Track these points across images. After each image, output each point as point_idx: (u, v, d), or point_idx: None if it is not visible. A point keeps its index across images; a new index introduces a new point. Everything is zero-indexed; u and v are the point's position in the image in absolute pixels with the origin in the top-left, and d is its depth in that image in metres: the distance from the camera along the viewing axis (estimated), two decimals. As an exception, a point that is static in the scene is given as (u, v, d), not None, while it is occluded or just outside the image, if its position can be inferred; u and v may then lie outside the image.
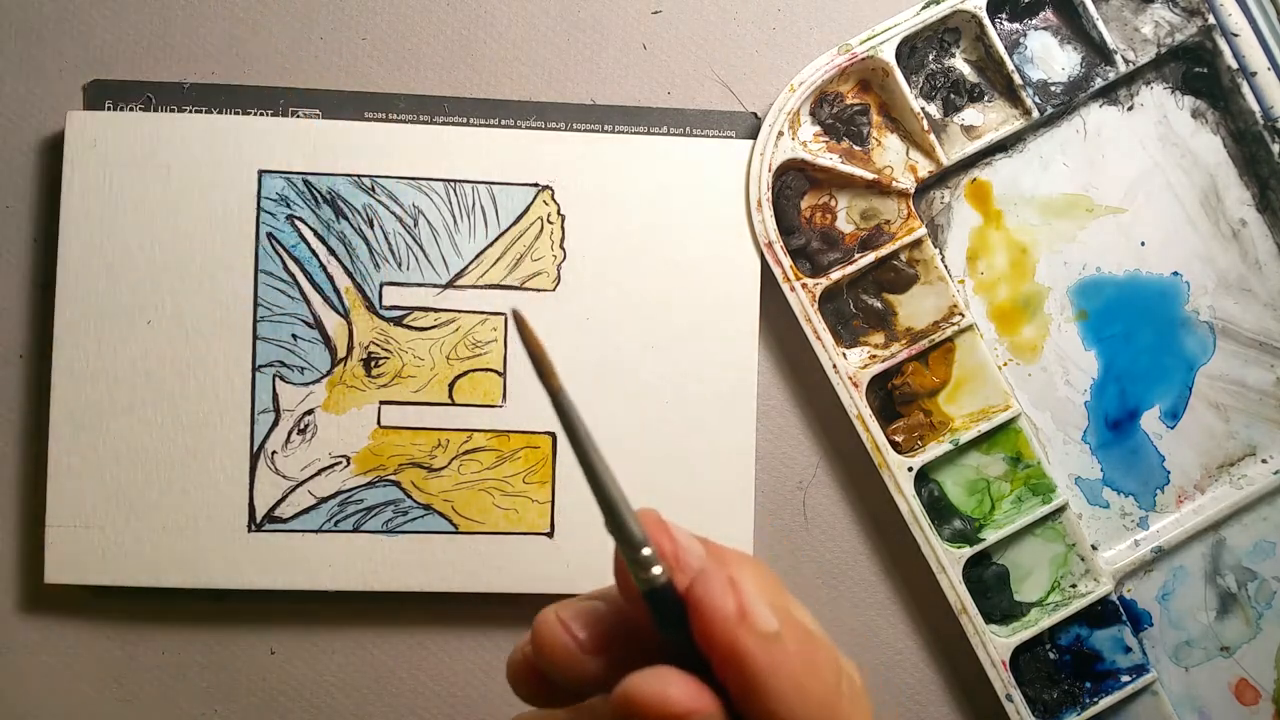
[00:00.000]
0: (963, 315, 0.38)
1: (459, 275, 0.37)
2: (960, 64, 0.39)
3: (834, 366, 0.37)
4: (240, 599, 0.38)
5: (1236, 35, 0.38)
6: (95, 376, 0.36)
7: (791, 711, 0.21)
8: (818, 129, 0.39)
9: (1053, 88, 0.39)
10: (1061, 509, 0.38)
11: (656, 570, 0.23)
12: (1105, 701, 0.38)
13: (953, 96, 0.39)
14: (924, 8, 0.38)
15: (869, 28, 0.38)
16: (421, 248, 0.37)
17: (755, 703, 0.21)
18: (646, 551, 0.23)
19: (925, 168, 0.38)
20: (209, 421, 0.36)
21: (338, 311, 0.37)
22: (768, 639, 0.21)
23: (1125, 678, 0.38)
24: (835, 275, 0.38)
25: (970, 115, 0.39)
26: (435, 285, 0.37)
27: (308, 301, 0.37)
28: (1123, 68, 0.39)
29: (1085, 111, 0.40)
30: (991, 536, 0.38)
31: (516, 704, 0.39)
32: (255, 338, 0.37)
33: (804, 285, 0.38)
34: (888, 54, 0.37)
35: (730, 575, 0.23)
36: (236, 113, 0.38)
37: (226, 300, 0.37)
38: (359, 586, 0.37)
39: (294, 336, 0.37)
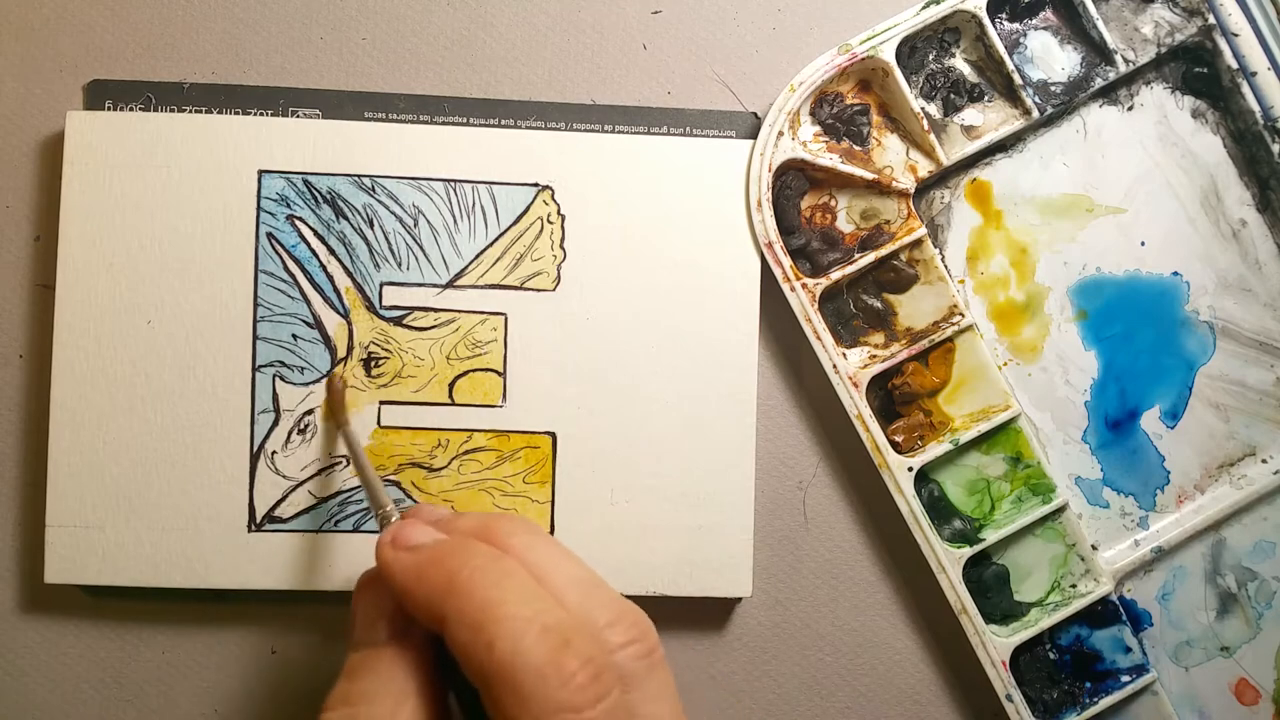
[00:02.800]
0: (963, 315, 0.38)
1: (459, 275, 0.37)
2: (960, 64, 0.39)
3: (834, 366, 0.37)
4: (240, 599, 0.38)
5: (1236, 35, 0.38)
6: (95, 376, 0.36)
7: (411, 600, 0.27)
8: (818, 129, 0.39)
9: (1053, 88, 0.39)
10: (1061, 509, 0.38)
11: (393, 517, 0.31)
12: (1105, 701, 0.38)
13: (953, 96, 0.39)
14: (924, 8, 0.38)
15: (869, 28, 0.38)
16: (421, 248, 0.37)
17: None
18: (387, 509, 0.31)
19: (925, 168, 0.38)
20: (209, 421, 0.36)
21: (338, 311, 0.37)
22: (402, 550, 0.27)
23: (1125, 678, 0.38)
24: (835, 275, 0.38)
25: (970, 115, 0.39)
26: (435, 285, 0.37)
27: (308, 301, 0.37)
28: (1123, 68, 0.39)
29: (1085, 111, 0.40)
30: (991, 536, 0.38)
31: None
32: (255, 338, 0.37)
33: (804, 285, 0.38)
34: (888, 54, 0.37)
35: (415, 519, 0.29)
36: (236, 113, 0.38)
37: (226, 300, 0.37)
38: (359, 586, 0.37)
39: (294, 336, 0.37)
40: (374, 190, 0.37)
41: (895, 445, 0.38)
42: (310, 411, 0.37)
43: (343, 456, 0.37)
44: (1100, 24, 0.38)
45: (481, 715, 0.25)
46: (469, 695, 0.26)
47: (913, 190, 0.38)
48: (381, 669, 0.27)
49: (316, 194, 0.37)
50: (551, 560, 0.28)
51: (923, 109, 0.38)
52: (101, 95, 0.37)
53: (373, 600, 0.28)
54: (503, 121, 0.38)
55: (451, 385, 0.37)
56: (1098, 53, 0.39)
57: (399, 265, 0.37)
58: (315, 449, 0.37)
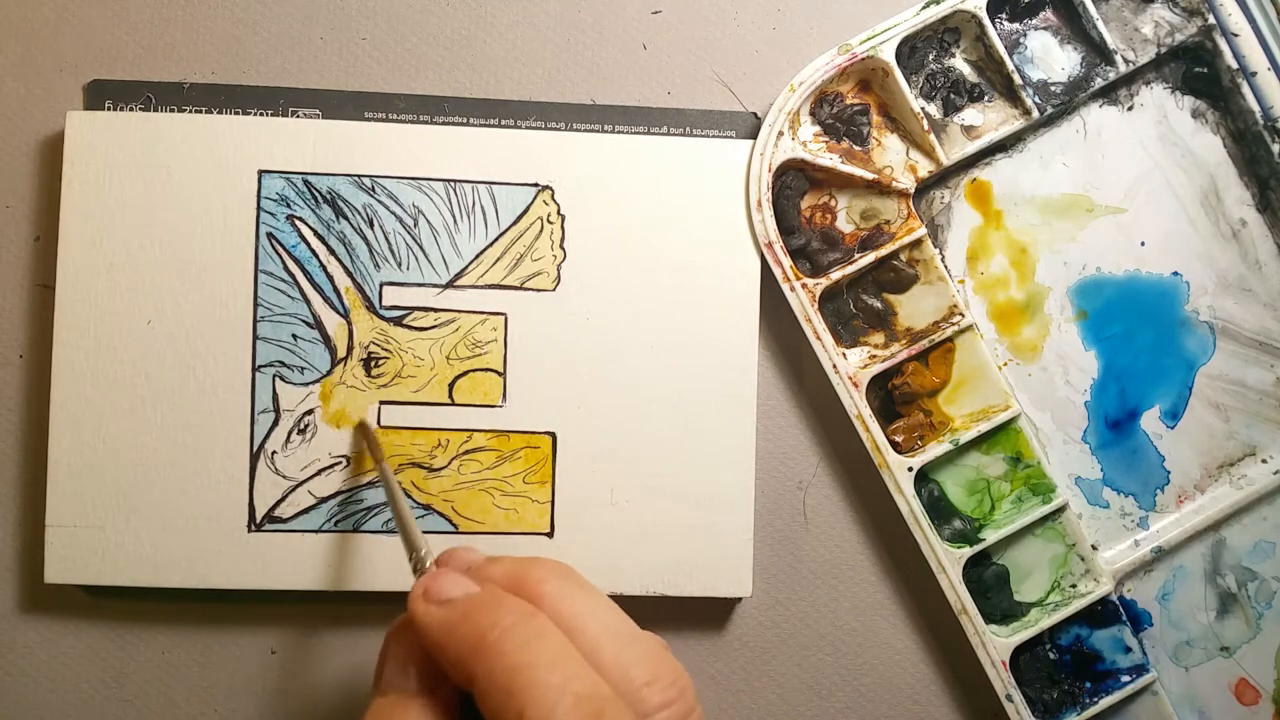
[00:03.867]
0: (963, 315, 0.38)
1: (459, 275, 0.37)
2: (960, 64, 0.39)
3: (834, 366, 0.37)
4: (240, 599, 0.38)
5: (1236, 35, 0.38)
6: (95, 376, 0.36)
7: (442, 656, 0.26)
8: (818, 129, 0.39)
9: (1053, 88, 0.39)
10: (1061, 509, 0.38)
11: (428, 563, 0.30)
12: (1105, 701, 0.38)
13: (953, 96, 0.39)
14: (924, 8, 0.38)
15: (869, 28, 0.38)
16: (421, 248, 0.37)
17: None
18: (422, 553, 0.31)
19: (925, 168, 0.38)
20: (209, 421, 0.36)
21: (338, 311, 0.37)
22: (434, 604, 0.27)
23: (1125, 678, 0.38)
24: (835, 275, 0.38)
25: (970, 115, 0.39)
26: (435, 285, 0.37)
27: (308, 301, 0.37)
28: (1123, 68, 0.39)
29: (1085, 111, 0.40)
30: (991, 536, 0.38)
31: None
32: (255, 338, 0.37)
33: (804, 285, 0.38)
34: (888, 54, 0.37)
35: (447, 569, 0.29)
36: (236, 113, 0.38)
37: (226, 300, 0.37)
38: (359, 586, 0.37)
39: (294, 336, 0.37)
40: (374, 190, 0.37)
41: (895, 445, 0.38)
42: (310, 412, 0.37)
43: (367, 484, 0.37)
44: (1100, 24, 0.38)
45: None
46: None
47: (913, 190, 0.38)
48: (410, 717, 0.26)
49: (316, 194, 0.37)
50: (585, 610, 0.27)
51: (923, 109, 0.38)
52: (101, 95, 0.37)
53: (405, 648, 0.27)
54: (503, 121, 0.38)
55: (451, 385, 0.37)
56: (1098, 53, 0.39)
57: (399, 265, 0.37)
58: (315, 449, 0.37)
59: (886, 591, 0.39)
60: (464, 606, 0.26)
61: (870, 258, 0.38)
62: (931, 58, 0.39)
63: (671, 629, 0.39)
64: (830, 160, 0.38)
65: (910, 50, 0.39)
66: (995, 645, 0.37)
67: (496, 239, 0.37)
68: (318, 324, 0.37)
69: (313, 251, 0.37)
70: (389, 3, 0.39)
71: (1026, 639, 0.37)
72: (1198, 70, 0.40)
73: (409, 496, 0.37)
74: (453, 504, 0.37)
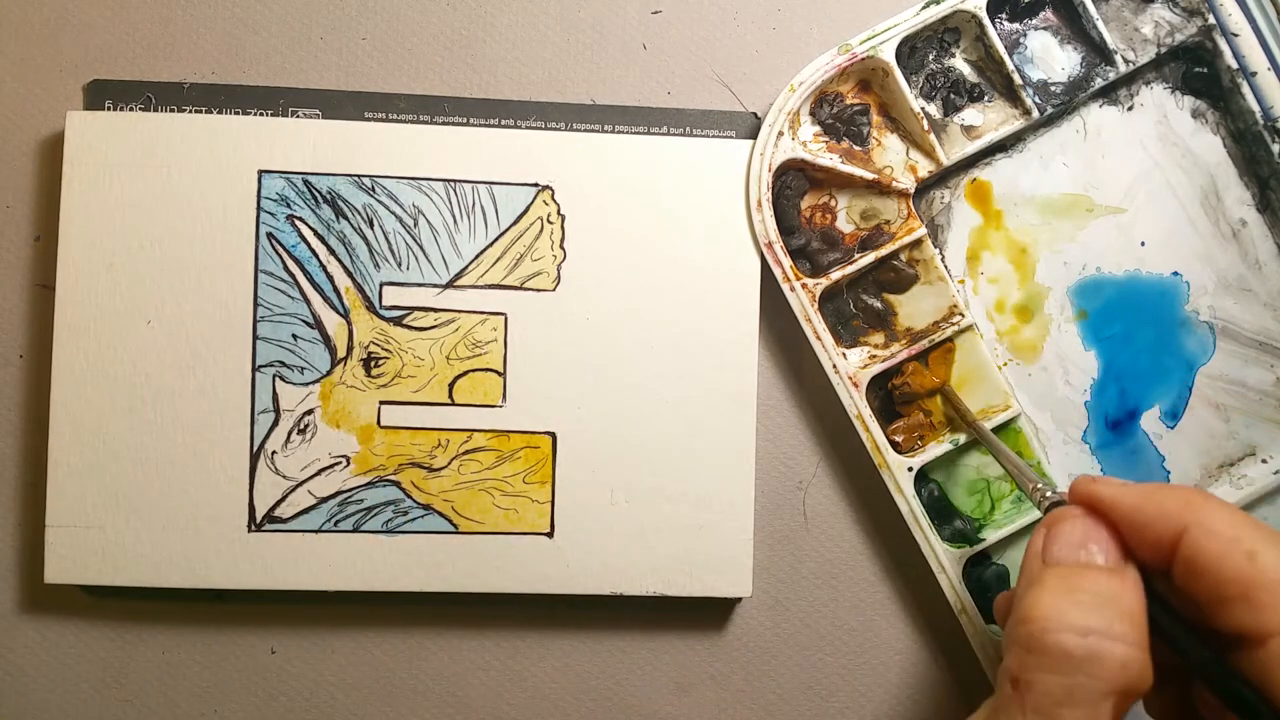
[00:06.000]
0: (963, 315, 0.38)
1: (459, 275, 0.37)
2: (960, 64, 0.39)
3: (834, 366, 0.37)
4: (240, 599, 0.38)
5: (1236, 35, 0.38)
6: (95, 376, 0.36)
7: (1139, 519, 0.28)
8: (818, 129, 0.39)
9: (1053, 88, 0.39)
10: (1061, 509, 0.38)
11: (1047, 493, 0.32)
12: (1105, 701, 0.38)
13: (953, 96, 0.39)
14: (924, 8, 0.38)
15: (869, 28, 0.38)
16: (421, 248, 0.37)
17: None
18: (1040, 486, 0.32)
19: (925, 168, 0.38)
20: (209, 421, 0.36)
21: (338, 311, 0.37)
22: (1115, 486, 0.29)
23: (1125, 678, 0.38)
24: (835, 275, 0.38)
25: (970, 115, 0.39)
26: (435, 285, 0.37)
27: (308, 301, 0.37)
28: (1123, 68, 0.39)
29: (1085, 111, 0.40)
30: (991, 536, 0.38)
31: (515, 703, 0.40)
32: (255, 338, 0.37)
33: (804, 285, 0.38)
34: (888, 54, 0.37)
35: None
36: (236, 113, 0.38)
37: (226, 300, 0.37)
38: (359, 586, 0.37)
39: (294, 336, 0.37)
40: (374, 190, 0.37)
41: (895, 445, 0.38)
42: (310, 411, 0.37)
43: (367, 484, 0.37)
44: (1100, 24, 0.38)
45: (1194, 650, 0.27)
46: (1177, 629, 0.28)
47: (913, 190, 0.38)
48: (1105, 585, 0.27)
49: (316, 194, 0.37)
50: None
51: (923, 109, 0.38)
52: (101, 95, 0.37)
53: (1081, 528, 0.29)
54: (503, 121, 0.38)
55: (451, 385, 0.37)
56: (1098, 53, 0.39)
57: (399, 265, 0.37)
58: (315, 449, 0.37)
59: (886, 591, 0.39)
60: (1154, 485, 0.29)
61: (870, 258, 0.38)
62: (931, 58, 0.39)
63: (671, 629, 0.39)
64: (830, 160, 0.38)
65: (910, 50, 0.39)
66: (995, 645, 0.37)
67: (496, 239, 0.37)
68: (318, 324, 0.37)
69: (313, 251, 0.37)
70: (389, 3, 0.39)
71: (1026, 639, 0.37)
72: (1198, 70, 0.40)
73: (408, 497, 0.37)
74: (453, 504, 0.37)
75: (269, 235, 0.37)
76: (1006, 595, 0.33)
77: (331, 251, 0.37)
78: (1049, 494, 0.32)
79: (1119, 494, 0.29)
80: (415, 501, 0.37)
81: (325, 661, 0.38)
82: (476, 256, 0.37)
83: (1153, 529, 0.28)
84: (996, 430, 0.38)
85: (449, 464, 0.37)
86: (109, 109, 0.37)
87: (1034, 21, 0.39)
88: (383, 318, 0.37)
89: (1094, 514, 0.29)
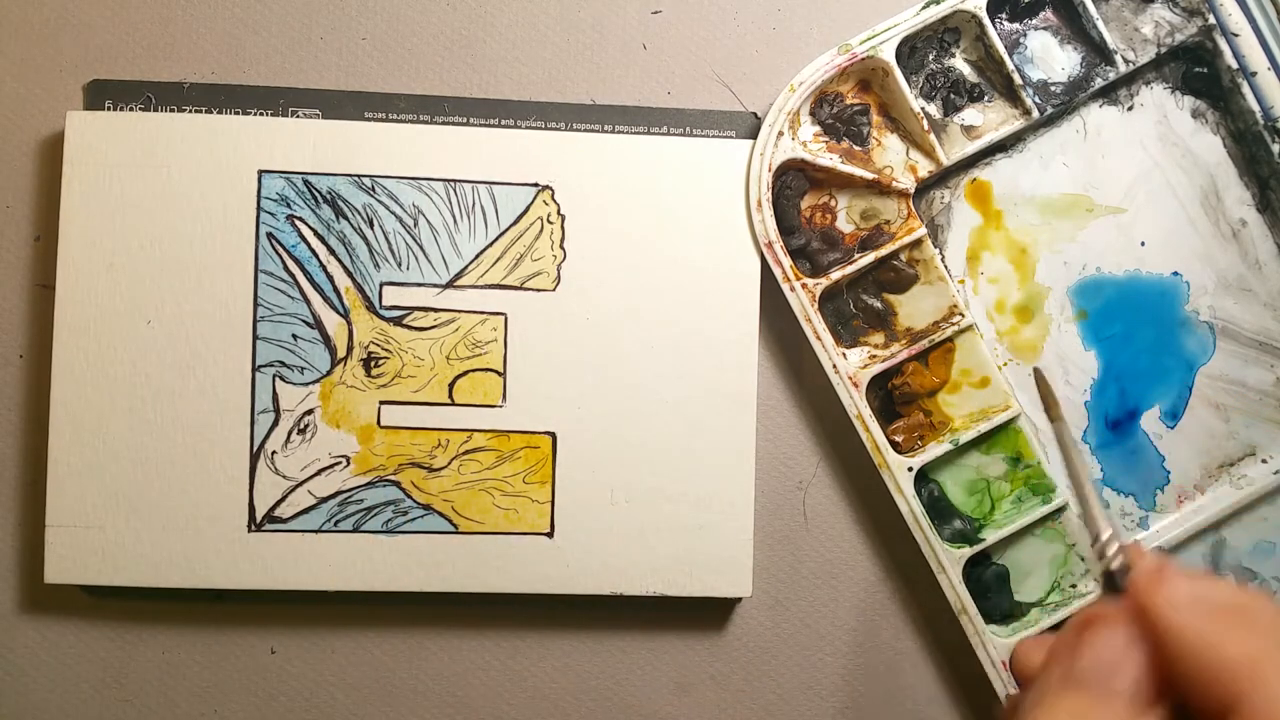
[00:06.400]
0: (963, 315, 0.38)
1: (459, 275, 0.37)
2: (960, 64, 0.39)
3: (834, 366, 0.37)
4: (240, 599, 0.38)
5: (1236, 35, 0.38)
6: (95, 376, 0.36)
7: (1191, 661, 0.23)
8: (818, 129, 0.39)
9: (1053, 88, 0.39)
10: (1061, 509, 0.38)
11: (1114, 561, 0.27)
12: (1105, 701, 0.38)
13: (953, 96, 0.39)
14: (924, 8, 0.38)
15: (869, 28, 0.38)
16: (421, 248, 0.37)
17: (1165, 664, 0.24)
18: (1104, 538, 0.27)
19: (925, 168, 0.38)
20: (209, 421, 0.36)
21: (338, 311, 0.37)
22: (1181, 605, 0.23)
23: (1125, 678, 0.38)
24: (835, 275, 0.38)
25: (970, 115, 0.39)
26: (435, 285, 0.37)
27: (308, 301, 0.37)
28: (1123, 68, 0.39)
29: (1085, 111, 0.40)
30: (991, 536, 0.38)
31: (515, 703, 0.40)
32: (255, 338, 0.37)
33: (804, 285, 0.38)
34: (888, 54, 0.37)
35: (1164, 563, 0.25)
36: (236, 113, 0.38)
37: (226, 300, 0.37)
38: (359, 586, 0.37)
39: (294, 336, 0.37)
40: (374, 190, 0.37)
41: (895, 445, 0.38)
42: (310, 411, 0.37)
43: (366, 484, 0.37)
44: (1100, 24, 0.38)
45: None
46: None
47: (913, 190, 0.38)
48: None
49: (316, 194, 0.37)
50: None
51: (923, 109, 0.38)
52: (101, 95, 0.37)
53: (1119, 646, 0.24)
54: (503, 121, 0.38)
55: (451, 385, 0.37)
56: (1098, 53, 0.39)
57: (399, 265, 0.37)
58: (315, 449, 0.37)
59: (886, 592, 0.39)
60: (1227, 600, 0.23)
61: (870, 258, 0.38)
62: (931, 58, 0.39)
63: (671, 629, 0.39)
64: (830, 160, 0.38)
65: (910, 50, 0.39)
66: (995, 645, 0.37)
67: (496, 239, 0.37)
68: (318, 324, 0.37)
69: (313, 251, 0.37)
70: (389, 3, 0.39)
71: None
72: (1198, 70, 0.40)
73: (408, 497, 0.37)
74: (453, 504, 0.37)
75: (269, 235, 0.37)
76: (1027, 652, 0.28)
77: (331, 251, 0.37)
78: (1114, 561, 0.26)
79: (1183, 625, 0.23)
80: (415, 501, 0.37)
81: (325, 661, 0.38)
82: (476, 256, 0.37)
83: (1204, 682, 0.23)
84: (996, 430, 0.38)
85: (449, 464, 0.37)
86: (109, 109, 0.37)
87: (1034, 21, 0.39)
88: (383, 318, 0.37)
89: (1143, 624, 0.24)
